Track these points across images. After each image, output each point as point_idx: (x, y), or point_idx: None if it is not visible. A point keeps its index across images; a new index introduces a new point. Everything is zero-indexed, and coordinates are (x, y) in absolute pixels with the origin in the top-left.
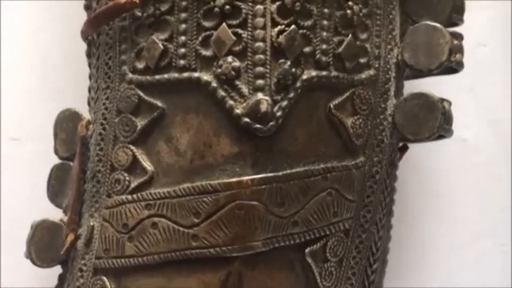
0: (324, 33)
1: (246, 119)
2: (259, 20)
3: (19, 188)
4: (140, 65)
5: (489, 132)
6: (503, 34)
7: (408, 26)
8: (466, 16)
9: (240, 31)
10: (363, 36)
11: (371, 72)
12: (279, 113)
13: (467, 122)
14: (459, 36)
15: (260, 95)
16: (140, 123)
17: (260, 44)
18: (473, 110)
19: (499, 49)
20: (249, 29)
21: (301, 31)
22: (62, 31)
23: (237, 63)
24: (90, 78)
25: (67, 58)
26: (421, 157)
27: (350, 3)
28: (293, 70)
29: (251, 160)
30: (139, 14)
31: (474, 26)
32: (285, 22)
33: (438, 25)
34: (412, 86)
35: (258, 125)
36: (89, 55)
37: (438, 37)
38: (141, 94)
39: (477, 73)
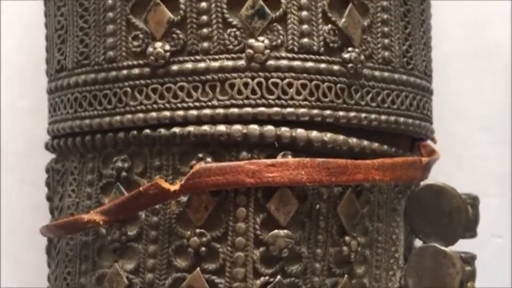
0: (316, 278)
1: None
2: (239, 271)
3: None
4: None
5: None
6: None
7: (414, 238)
8: (480, 205)
9: (216, 279)
10: (361, 270)
11: None
12: None
13: None
14: (472, 260)
15: None
16: None
17: None
18: None
19: None
20: (227, 279)
21: (287, 280)
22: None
23: None
24: (48, 279)
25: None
26: None
27: (347, 238)
28: None
29: None
30: (104, 232)
31: (488, 215)
32: (270, 271)
33: (448, 251)
34: None
35: None
36: (48, 253)
37: (448, 266)
38: None
39: (491, 266)
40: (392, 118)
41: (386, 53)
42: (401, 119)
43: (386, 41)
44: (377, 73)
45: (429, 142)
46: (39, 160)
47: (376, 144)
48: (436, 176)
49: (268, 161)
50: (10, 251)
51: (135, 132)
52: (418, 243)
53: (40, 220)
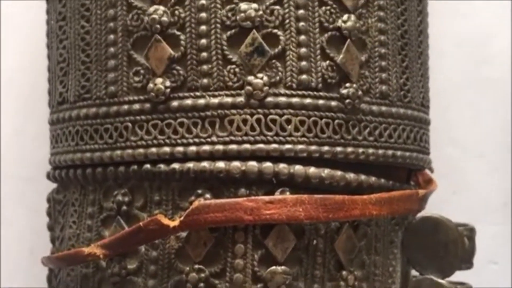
0: None
1: None
2: None
3: None
4: None
5: None
6: None
7: (410, 269)
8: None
9: None
10: None
11: None
12: None
13: None
14: None
15: None
16: None
17: None
18: None
19: (510, 267)
20: None
21: None
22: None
23: None
24: None
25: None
26: None
27: (344, 272)
28: None
29: None
30: (104, 265)
31: (484, 241)
32: None
33: (444, 283)
34: None
35: None
36: (49, 281)
37: None
38: None
39: None
40: (390, 152)
41: (384, 87)
42: (398, 153)
43: (383, 75)
44: (374, 107)
45: (426, 170)
46: (43, 186)
47: (373, 178)
48: (433, 203)
49: (266, 198)
50: (12, 278)
51: (135, 166)
52: (414, 273)
53: (42, 246)
